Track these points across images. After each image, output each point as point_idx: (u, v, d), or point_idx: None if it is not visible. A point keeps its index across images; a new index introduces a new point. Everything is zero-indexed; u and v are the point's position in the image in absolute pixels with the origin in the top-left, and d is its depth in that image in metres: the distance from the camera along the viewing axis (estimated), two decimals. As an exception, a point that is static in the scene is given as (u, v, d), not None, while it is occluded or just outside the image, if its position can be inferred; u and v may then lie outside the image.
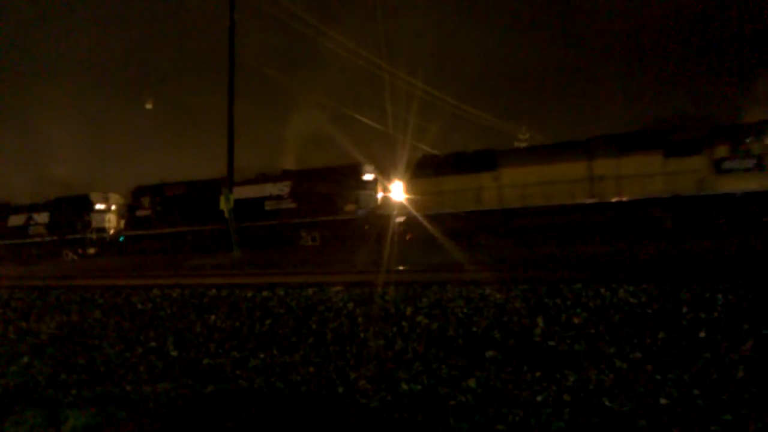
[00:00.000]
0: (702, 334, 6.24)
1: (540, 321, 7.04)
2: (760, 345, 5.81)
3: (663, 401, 4.71)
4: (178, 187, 32.97)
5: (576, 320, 7.03)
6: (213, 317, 8.99)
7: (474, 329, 7.08)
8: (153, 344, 7.97)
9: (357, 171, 28.57)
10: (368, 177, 28.70)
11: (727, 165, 22.48)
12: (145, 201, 32.90)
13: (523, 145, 43.20)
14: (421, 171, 27.08)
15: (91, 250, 34.13)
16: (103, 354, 7.72)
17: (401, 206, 27.58)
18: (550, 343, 6.45)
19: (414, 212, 26.69)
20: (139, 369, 6.91)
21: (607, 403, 4.78)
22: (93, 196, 35.21)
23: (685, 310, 7.01)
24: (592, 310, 7.33)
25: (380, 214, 27.87)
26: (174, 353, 7.50)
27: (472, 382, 5.56)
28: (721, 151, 22.72)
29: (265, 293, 10.14)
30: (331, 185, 28.74)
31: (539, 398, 5.01)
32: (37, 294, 12.59)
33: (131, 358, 7.44)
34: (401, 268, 13.36)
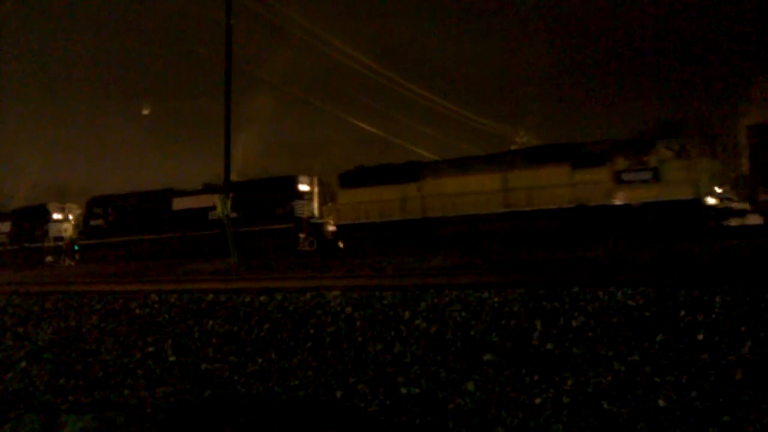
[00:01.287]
0: (700, 337, 6.24)
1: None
2: (757, 347, 5.82)
3: (661, 403, 4.71)
4: (129, 198, 34.17)
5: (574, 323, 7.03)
6: (211, 322, 8.97)
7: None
8: (151, 349, 7.96)
9: (292, 182, 29.80)
10: (303, 188, 29.84)
11: (626, 177, 23.76)
12: (99, 211, 34.45)
13: (517, 147, 43.30)
14: (352, 182, 28.52)
15: (49, 258, 35.16)
16: (101, 359, 7.71)
17: (335, 215, 29.16)
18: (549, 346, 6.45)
19: (345, 221, 28.12)
20: (137, 374, 6.90)
21: (605, 405, 4.78)
22: (50, 206, 36.70)
23: (683, 312, 7.02)
24: (590, 313, 7.33)
25: (313, 223, 29.30)
26: (172, 358, 7.50)
27: (470, 386, 5.56)
28: (621, 163, 23.91)
29: (263, 298, 10.13)
30: (269, 196, 30.05)
31: (538, 401, 5.01)
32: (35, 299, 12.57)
33: (129, 363, 7.43)
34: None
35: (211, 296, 10.71)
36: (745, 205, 23.08)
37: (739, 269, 9.66)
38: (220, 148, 27.02)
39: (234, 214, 30.05)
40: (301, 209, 29.22)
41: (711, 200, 23.36)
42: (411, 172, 27.81)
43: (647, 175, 23.66)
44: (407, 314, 8.06)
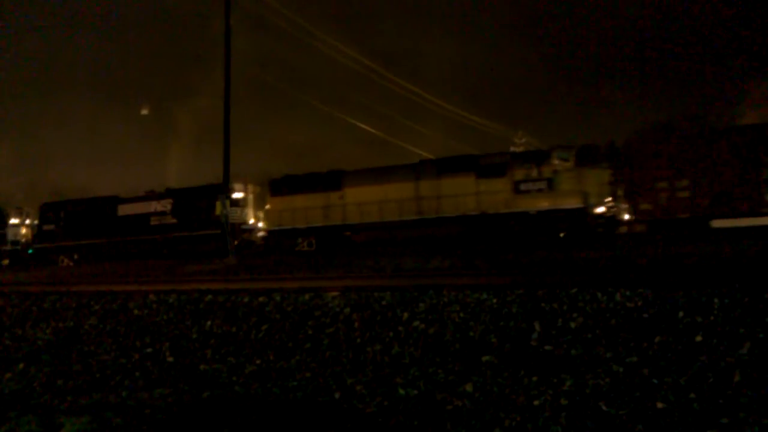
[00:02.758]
0: (699, 338, 6.25)
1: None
2: (756, 348, 5.82)
3: (660, 405, 4.71)
4: (79, 204, 35.94)
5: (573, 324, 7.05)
6: (209, 323, 8.98)
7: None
8: (149, 350, 7.95)
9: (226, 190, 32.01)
10: (237, 195, 31.27)
11: (523, 186, 25.57)
12: (51, 216, 35.57)
13: (520, 149, 43.54)
14: (281, 189, 30.23)
15: (5, 261, 36.16)
16: (99, 360, 7.70)
17: (265, 221, 31.15)
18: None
19: (274, 227, 30.34)
20: (135, 375, 6.88)
21: (603, 407, 4.77)
22: (8, 210, 37.78)
23: (681, 314, 7.04)
24: (589, 314, 7.35)
25: (244, 228, 31.03)
26: (170, 359, 7.48)
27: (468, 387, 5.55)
28: (519, 174, 25.78)
29: (261, 299, 10.14)
30: (204, 202, 31.60)
31: (536, 402, 5.00)
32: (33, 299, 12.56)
33: (127, 364, 7.42)
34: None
35: (209, 297, 10.72)
36: (632, 214, 24.40)
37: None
38: (219, 149, 27.63)
39: (174, 220, 31.85)
40: (233, 216, 30.34)
41: (599, 209, 25.38)
42: (333, 180, 29.38)
43: (542, 185, 25.55)
44: (405, 315, 8.06)
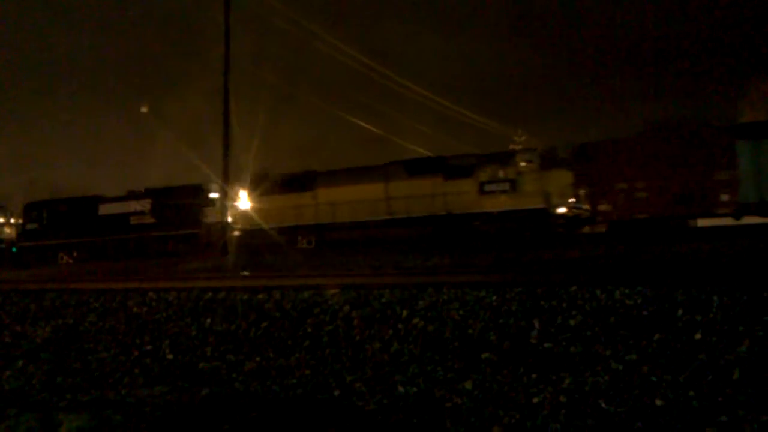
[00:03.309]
0: (698, 336, 6.25)
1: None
2: (755, 346, 5.82)
3: (659, 403, 4.71)
4: (61, 204, 36.34)
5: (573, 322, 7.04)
6: (209, 320, 8.97)
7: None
8: (149, 348, 7.95)
9: (203, 189, 32.32)
10: (214, 195, 31.95)
11: (488, 187, 26.42)
12: (34, 216, 36.56)
13: (518, 147, 43.63)
14: (255, 189, 30.91)
15: None
16: (98, 358, 7.70)
17: (241, 220, 31.91)
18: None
19: (248, 226, 30.93)
20: (134, 373, 6.89)
21: (603, 404, 4.78)
22: None
23: (680, 312, 7.03)
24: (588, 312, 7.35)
25: (221, 227, 31.05)
26: (170, 357, 7.49)
27: (468, 384, 5.56)
28: (484, 175, 26.52)
29: (260, 296, 10.13)
30: (180, 202, 32.34)
31: (535, 400, 5.01)
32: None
33: (127, 361, 7.42)
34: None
35: (209, 294, 10.70)
36: (593, 215, 25.50)
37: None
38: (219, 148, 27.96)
39: (153, 219, 32.72)
40: (210, 215, 31.50)
41: (561, 209, 26.12)
42: (307, 181, 30.07)
43: (506, 186, 26.33)
44: (405, 313, 8.06)
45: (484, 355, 6.37)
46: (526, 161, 26.39)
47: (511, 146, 46.70)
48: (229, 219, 31.80)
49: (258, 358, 7.16)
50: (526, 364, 6.01)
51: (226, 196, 28.03)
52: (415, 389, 5.56)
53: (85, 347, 8.29)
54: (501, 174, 26.48)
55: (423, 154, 37.21)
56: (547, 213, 25.84)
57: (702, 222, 24.85)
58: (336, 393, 5.67)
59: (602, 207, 24.96)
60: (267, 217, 29.80)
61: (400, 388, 5.59)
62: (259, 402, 5.64)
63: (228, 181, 28.60)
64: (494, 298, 8.51)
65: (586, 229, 26.38)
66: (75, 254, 34.00)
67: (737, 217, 23.62)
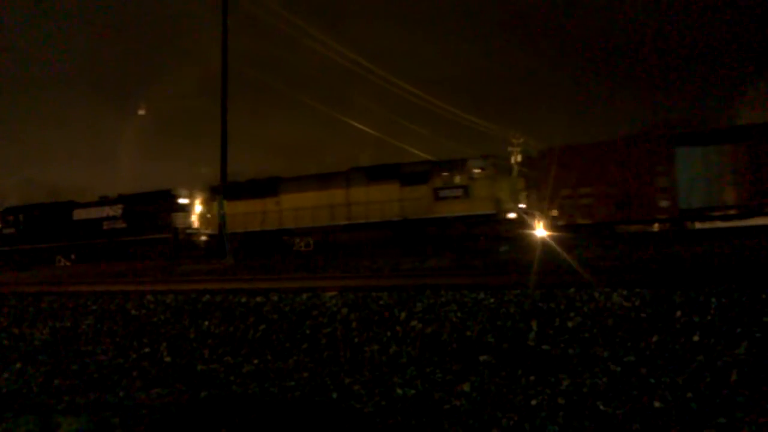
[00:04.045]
0: (696, 338, 6.26)
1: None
2: (753, 348, 5.83)
3: (657, 404, 4.72)
4: (37, 209, 37.46)
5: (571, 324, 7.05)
6: (207, 323, 8.96)
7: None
8: (147, 350, 7.95)
9: (172, 196, 33.30)
10: (182, 200, 33.26)
11: (442, 193, 27.33)
12: (11, 220, 37.79)
13: (517, 150, 43.77)
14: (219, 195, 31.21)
15: None
16: (96, 360, 7.69)
17: (208, 226, 32.62)
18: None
19: (214, 232, 31.17)
20: (132, 375, 6.88)
21: (601, 406, 4.78)
22: None
23: (679, 313, 7.04)
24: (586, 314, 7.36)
25: (189, 232, 32.96)
26: (167, 359, 7.48)
27: (466, 386, 5.56)
28: (439, 181, 27.45)
29: (258, 299, 10.13)
30: (153, 208, 33.17)
31: (533, 402, 5.01)
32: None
33: (125, 364, 7.41)
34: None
35: (207, 297, 10.71)
36: (542, 219, 26.12)
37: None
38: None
39: (124, 224, 33.55)
40: (179, 221, 32.62)
41: (511, 215, 27.22)
42: (271, 187, 30.89)
43: (459, 192, 27.24)
44: (403, 315, 8.06)
45: (482, 358, 6.37)
46: (478, 168, 27.25)
47: (509, 148, 46.76)
48: (196, 224, 32.78)
49: (256, 361, 7.16)
50: (524, 365, 6.01)
51: (223, 196, 28.50)
52: (413, 391, 5.56)
53: (83, 350, 8.28)
54: (454, 180, 27.41)
55: (420, 157, 37.38)
56: (498, 218, 26.81)
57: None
58: (334, 395, 5.67)
59: (551, 213, 25.68)
60: (232, 222, 30.29)
61: (399, 390, 5.59)
62: (257, 404, 5.63)
63: (225, 181, 29.07)
64: (492, 300, 8.53)
65: (538, 234, 27.21)
66: (73, 256, 34.37)
67: (678, 223, 24.47)
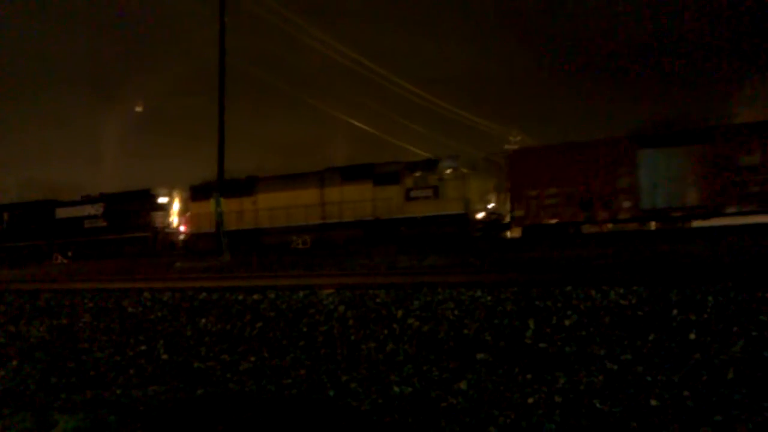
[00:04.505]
0: (692, 336, 6.27)
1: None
2: (749, 346, 5.84)
3: (653, 402, 4.73)
4: (21, 207, 38.56)
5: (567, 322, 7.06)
6: (203, 320, 8.96)
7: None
8: (143, 348, 7.94)
9: (152, 195, 34.06)
10: (162, 200, 34.03)
11: (413, 194, 27.87)
12: None
13: (515, 147, 43.76)
14: (201, 194, 32.14)
15: None
16: (93, 358, 7.69)
17: (187, 225, 33.57)
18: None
19: (194, 230, 32.65)
20: (129, 373, 6.87)
21: (597, 404, 4.79)
22: None
23: (675, 312, 7.05)
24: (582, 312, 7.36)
25: (168, 231, 33.59)
26: (164, 357, 7.47)
27: (463, 384, 5.56)
28: (410, 182, 28.00)
29: (255, 296, 10.11)
30: (131, 207, 34.00)
31: (530, 400, 5.01)
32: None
33: (122, 361, 7.40)
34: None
35: (203, 294, 10.69)
36: (509, 220, 27.23)
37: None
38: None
39: (105, 223, 34.04)
40: (158, 220, 33.44)
41: (480, 215, 27.71)
42: (248, 186, 31.47)
43: (429, 193, 27.84)
44: (400, 313, 8.06)
45: (479, 356, 6.37)
46: (448, 168, 27.84)
47: (506, 146, 46.79)
48: (175, 223, 33.21)
49: (253, 358, 7.16)
50: (521, 363, 6.02)
51: (220, 194, 28.68)
52: (410, 389, 5.56)
53: (80, 347, 8.27)
54: (425, 181, 27.95)
55: (419, 155, 37.44)
56: (467, 218, 27.23)
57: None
58: (331, 393, 5.67)
59: (517, 213, 26.44)
60: (209, 221, 30.60)
61: (395, 388, 5.60)
62: (254, 402, 5.63)
63: (223, 179, 29.14)
64: (489, 298, 8.53)
65: (509, 234, 27.86)
66: (70, 253, 34.62)
67: (642, 222, 25.07)
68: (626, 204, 24.53)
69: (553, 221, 25.60)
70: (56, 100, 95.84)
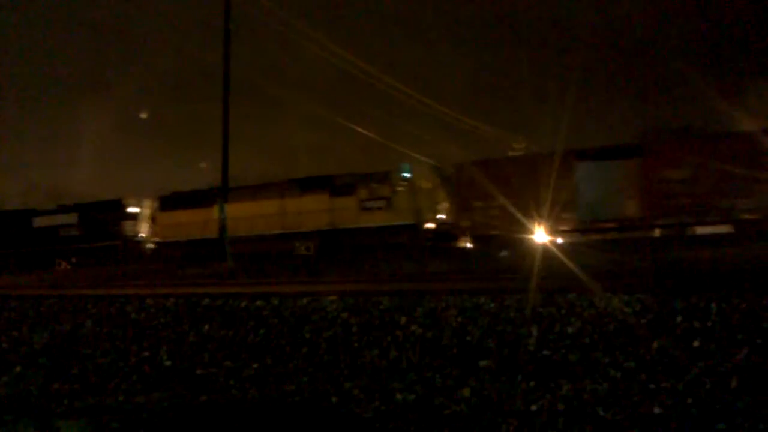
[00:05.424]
0: (696, 344, 6.25)
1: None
2: (753, 354, 5.82)
3: (657, 410, 4.71)
4: (4, 217, 39.20)
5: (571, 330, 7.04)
6: (207, 327, 8.96)
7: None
8: (146, 354, 7.94)
9: (122, 205, 34.80)
10: (132, 210, 34.87)
11: (368, 204, 28.83)
12: None
13: (518, 154, 43.73)
14: (169, 205, 33.48)
15: None
16: (96, 364, 7.69)
17: (155, 234, 34.40)
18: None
19: (162, 239, 33.48)
20: (132, 379, 6.87)
21: (600, 412, 4.77)
22: None
23: (679, 319, 7.03)
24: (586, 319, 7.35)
25: (136, 240, 34.44)
26: (167, 363, 7.47)
27: (466, 392, 5.55)
28: (364, 193, 28.99)
29: (258, 303, 10.12)
30: (103, 216, 34.89)
31: (533, 407, 5.00)
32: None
33: (125, 367, 7.40)
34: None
35: (207, 301, 10.71)
36: (457, 230, 27.76)
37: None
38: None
39: (78, 232, 34.70)
40: (128, 229, 34.23)
41: (430, 225, 28.61)
42: (212, 197, 31.88)
43: (382, 204, 28.75)
44: (403, 320, 8.06)
45: (482, 363, 6.36)
46: (400, 180, 28.67)
47: (510, 153, 46.74)
48: (143, 233, 33.92)
49: (256, 365, 7.15)
50: (525, 371, 6.01)
51: (224, 200, 29.16)
52: (413, 396, 5.55)
53: (83, 353, 8.27)
54: (379, 192, 28.86)
55: (421, 161, 37.49)
56: (418, 228, 28.01)
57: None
58: (334, 400, 5.66)
59: (464, 223, 27.28)
60: (176, 231, 31.84)
61: (398, 395, 5.59)
62: (256, 408, 5.63)
63: (227, 185, 29.72)
64: (492, 305, 8.52)
65: (462, 243, 28.47)
66: (73, 260, 34.89)
67: (582, 234, 26.05)
68: (565, 216, 25.09)
69: (497, 232, 26.24)
70: (57, 101, 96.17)
